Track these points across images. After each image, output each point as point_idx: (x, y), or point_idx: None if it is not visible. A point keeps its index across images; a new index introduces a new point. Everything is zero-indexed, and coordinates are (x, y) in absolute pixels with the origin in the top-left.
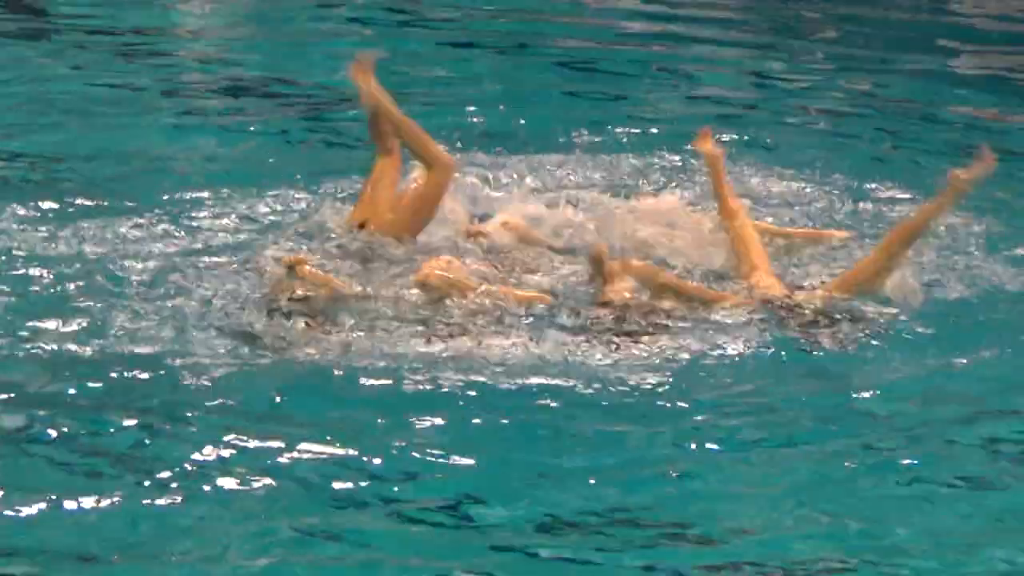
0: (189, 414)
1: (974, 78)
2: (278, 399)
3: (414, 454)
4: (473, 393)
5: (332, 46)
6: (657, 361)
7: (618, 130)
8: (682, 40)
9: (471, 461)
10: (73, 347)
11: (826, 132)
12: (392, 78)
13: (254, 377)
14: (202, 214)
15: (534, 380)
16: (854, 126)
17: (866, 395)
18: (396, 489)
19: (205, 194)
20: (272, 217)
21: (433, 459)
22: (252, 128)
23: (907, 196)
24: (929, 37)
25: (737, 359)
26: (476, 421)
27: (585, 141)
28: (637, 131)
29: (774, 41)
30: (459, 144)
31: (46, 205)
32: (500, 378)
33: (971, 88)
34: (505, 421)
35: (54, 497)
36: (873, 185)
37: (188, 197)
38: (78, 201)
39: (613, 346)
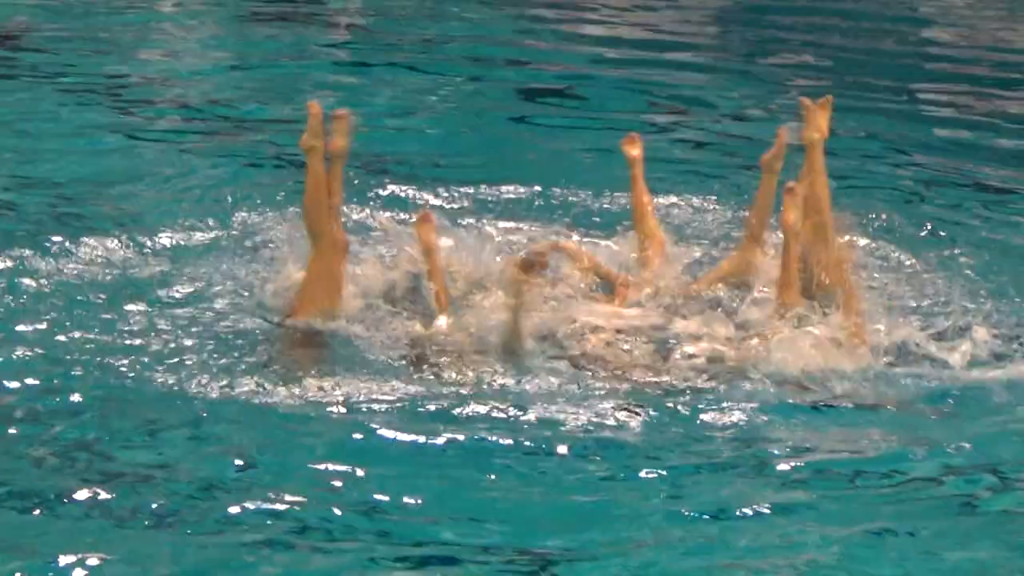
0: (163, 445)
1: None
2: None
3: (387, 498)
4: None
5: (303, 76)
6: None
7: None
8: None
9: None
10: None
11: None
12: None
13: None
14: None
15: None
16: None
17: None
18: (369, 536)
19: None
20: (247, 243)
21: (409, 507)
22: (233, 159)
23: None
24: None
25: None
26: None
27: (544, 173)
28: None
29: (748, 68)
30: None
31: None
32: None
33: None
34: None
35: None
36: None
37: (173, 221)
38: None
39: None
